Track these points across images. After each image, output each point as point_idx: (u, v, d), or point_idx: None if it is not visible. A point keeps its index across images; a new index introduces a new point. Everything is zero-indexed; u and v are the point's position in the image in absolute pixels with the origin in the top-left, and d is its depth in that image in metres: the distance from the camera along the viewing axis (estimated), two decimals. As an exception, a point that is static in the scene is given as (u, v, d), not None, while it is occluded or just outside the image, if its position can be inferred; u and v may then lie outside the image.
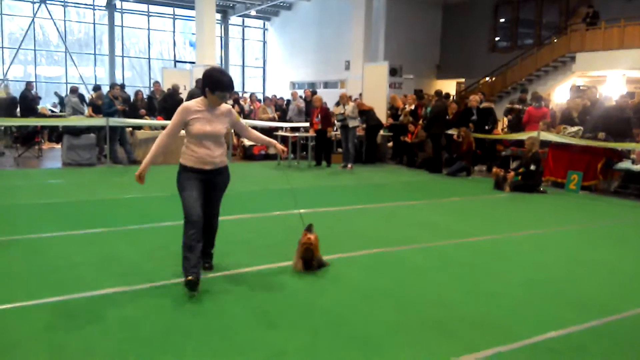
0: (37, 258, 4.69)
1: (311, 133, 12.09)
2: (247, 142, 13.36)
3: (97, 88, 14.35)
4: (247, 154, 13.18)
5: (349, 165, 11.83)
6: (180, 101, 12.93)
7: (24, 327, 3.28)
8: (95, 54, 25.68)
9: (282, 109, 15.37)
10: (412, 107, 13.21)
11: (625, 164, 9.33)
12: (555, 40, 18.98)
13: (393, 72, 19.05)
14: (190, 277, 3.83)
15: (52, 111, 17.07)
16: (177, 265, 4.52)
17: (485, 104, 12.23)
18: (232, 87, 4.06)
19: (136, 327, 3.33)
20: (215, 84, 3.92)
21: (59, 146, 13.12)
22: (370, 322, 3.53)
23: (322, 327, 3.43)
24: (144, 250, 5.02)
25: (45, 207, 6.91)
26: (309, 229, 4.57)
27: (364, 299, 3.94)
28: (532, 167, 9.27)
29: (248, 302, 3.81)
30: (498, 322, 3.58)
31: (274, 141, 4.63)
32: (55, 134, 14.14)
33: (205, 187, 4.14)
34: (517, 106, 12.24)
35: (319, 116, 11.84)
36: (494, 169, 9.93)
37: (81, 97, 14.01)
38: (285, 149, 4.35)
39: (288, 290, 4.08)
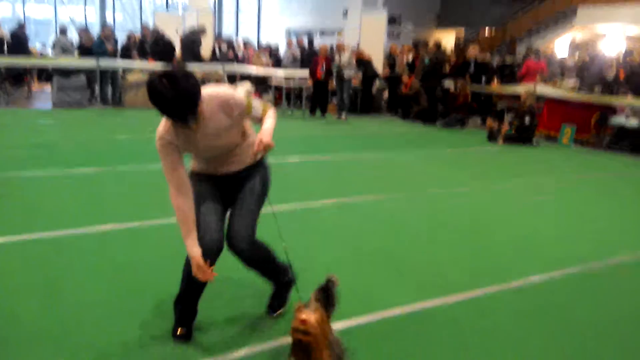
0: (28, 196, 4.68)
1: (309, 83, 11.77)
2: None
3: (87, 29, 13.98)
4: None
5: (344, 116, 11.73)
6: (171, 44, 12.64)
7: (18, 260, 3.30)
8: (85, -5, 24.88)
9: (276, 57, 15.07)
10: (410, 58, 12.99)
11: (619, 119, 9.32)
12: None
13: (392, 20, 18.64)
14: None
15: (42, 53, 16.65)
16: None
17: (482, 57, 12.05)
18: (177, 110, 2.22)
19: (128, 262, 3.37)
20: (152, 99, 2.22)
21: (48, 87, 12.89)
22: (356, 264, 3.58)
23: (309, 267, 3.49)
24: (135, 190, 5.02)
25: (35, 146, 6.85)
26: (307, 303, 2.23)
27: (352, 243, 3.99)
28: (527, 120, 9.24)
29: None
30: (484, 266, 3.66)
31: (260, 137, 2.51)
32: (45, 74, 13.85)
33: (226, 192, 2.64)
34: (509, 59, 12.07)
35: (324, 67, 11.57)
36: (488, 122, 9.89)
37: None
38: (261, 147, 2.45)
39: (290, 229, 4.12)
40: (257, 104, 2.53)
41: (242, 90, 3.02)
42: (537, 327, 2.81)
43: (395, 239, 4.10)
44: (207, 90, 2.34)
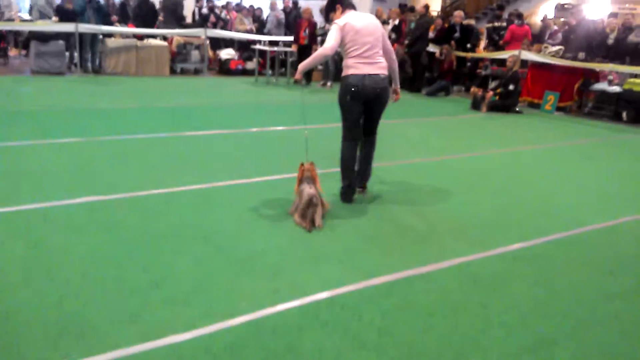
0: (9, 165, 4.63)
1: (293, 49, 11.55)
2: (223, 56, 12.95)
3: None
4: (224, 68, 12.81)
5: (329, 83, 11.64)
6: (154, 7, 12.31)
7: (5, 231, 3.29)
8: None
9: (259, 20, 14.78)
10: (396, 22, 12.82)
11: (601, 85, 9.41)
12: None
13: (377, -17, 18.29)
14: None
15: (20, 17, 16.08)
16: (153, 176, 4.54)
17: (467, 21, 11.96)
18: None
19: (112, 230, 3.38)
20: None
21: (25, 53, 12.55)
22: (346, 230, 3.64)
23: (298, 232, 3.54)
24: (119, 161, 4.98)
25: (16, 114, 6.72)
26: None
27: (342, 209, 4.04)
28: (511, 87, 9.28)
29: (227, 211, 3.87)
30: (470, 232, 3.75)
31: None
32: (22, 40, 13.44)
33: None
34: (497, 24, 12.00)
35: (307, 31, 11.28)
36: (472, 89, 9.91)
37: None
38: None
39: (266, 200, 4.15)
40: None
41: None
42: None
43: (393, 203, 4.16)
44: None
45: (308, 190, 3.69)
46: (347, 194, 4.23)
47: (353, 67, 4.00)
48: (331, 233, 3.59)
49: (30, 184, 4.18)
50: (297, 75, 4.15)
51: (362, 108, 4.12)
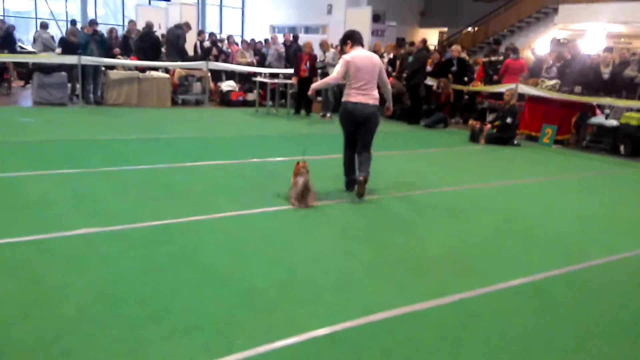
0: (10, 196, 4.63)
1: (293, 81, 11.67)
2: (224, 88, 13.11)
3: (73, 22, 13.75)
4: (225, 100, 12.96)
5: (328, 115, 11.75)
6: (157, 41, 12.51)
7: (1, 265, 3.27)
8: (65, -12, 24.43)
9: (260, 54, 15.02)
10: (391, 55, 13.03)
11: (599, 119, 9.50)
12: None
13: (376, 18, 18.69)
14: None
15: (22, 47, 16.37)
16: (153, 207, 4.54)
17: (464, 56, 12.16)
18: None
19: (113, 264, 3.37)
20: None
21: (28, 84, 12.69)
22: (347, 263, 3.63)
23: (301, 264, 3.52)
24: (119, 192, 4.99)
25: (16, 145, 6.76)
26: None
27: (342, 242, 4.03)
28: (509, 120, 9.36)
29: (226, 243, 3.86)
30: (470, 266, 3.72)
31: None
32: (26, 72, 13.62)
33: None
34: (493, 58, 12.21)
35: (307, 64, 11.47)
36: (470, 121, 10.00)
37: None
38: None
39: (267, 231, 4.15)
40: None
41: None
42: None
43: (392, 236, 4.15)
44: None
45: (303, 179, 4.78)
46: (349, 185, 5.51)
47: (351, 96, 5.19)
48: (330, 264, 3.58)
49: (29, 216, 4.18)
50: (310, 92, 5.83)
51: (354, 126, 5.28)
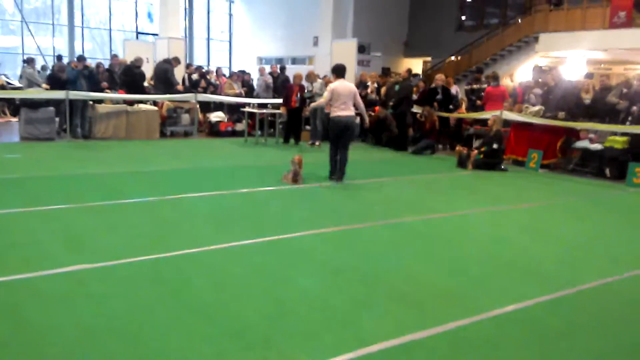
0: (-4, 235, 4.57)
1: (282, 111, 11.77)
2: (213, 118, 13.16)
3: (59, 58, 13.81)
4: (214, 130, 12.99)
5: (317, 143, 11.82)
6: (140, 75, 12.56)
7: (-15, 306, 3.21)
8: (53, 24, 24.64)
9: (249, 85, 15.16)
10: (375, 85, 13.22)
11: (583, 143, 9.65)
12: (519, 20, 19.24)
13: (361, 49, 19.00)
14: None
15: (9, 83, 16.38)
16: (141, 242, 4.49)
17: (448, 84, 12.36)
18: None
19: (101, 303, 3.31)
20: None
21: (15, 119, 12.64)
22: (339, 295, 3.59)
23: (292, 299, 3.48)
24: (108, 227, 4.94)
25: (3, 182, 6.69)
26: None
27: (333, 274, 4.00)
28: (495, 146, 9.47)
29: (216, 278, 3.82)
30: (462, 295, 3.71)
31: None
32: (12, 107, 13.60)
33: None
34: (475, 86, 12.43)
35: (299, 95, 11.61)
36: (458, 147, 10.10)
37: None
38: None
39: (256, 264, 4.11)
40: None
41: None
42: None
43: (381, 266, 4.13)
44: None
45: (294, 168, 7.31)
46: (332, 174, 7.72)
47: (335, 111, 7.55)
48: (321, 301, 3.54)
49: (17, 254, 4.11)
50: (306, 110, 9.58)
51: (340, 130, 7.57)
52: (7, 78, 17.88)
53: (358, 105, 7.71)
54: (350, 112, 7.54)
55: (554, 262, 4.57)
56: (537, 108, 10.22)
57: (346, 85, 7.61)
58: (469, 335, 3.12)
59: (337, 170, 7.62)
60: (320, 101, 8.31)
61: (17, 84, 14.27)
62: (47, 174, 7.39)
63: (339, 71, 7.75)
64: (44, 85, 11.38)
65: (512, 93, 11.77)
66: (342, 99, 7.44)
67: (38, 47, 23.81)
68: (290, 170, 7.32)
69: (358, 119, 8.92)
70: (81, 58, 11.83)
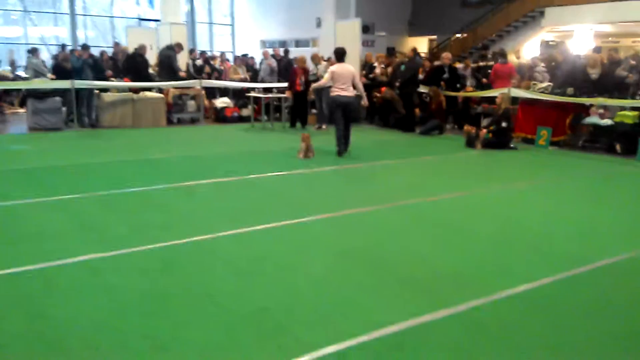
0: (9, 226, 4.60)
1: (287, 95, 11.71)
2: (219, 104, 13.13)
3: (63, 47, 13.77)
4: (220, 116, 12.97)
5: (323, 126, 11.78)
6: (144, 62, 12.50)
7: (2, 296, 3.24)
8: (55, 13, 24.55)
9: (253, 69, 15.07)
10: (382, 65, 13.10)
11: (593, 119, 9.54)
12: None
13: (365, 29, 18.80)
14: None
15: (16, 74, 16.38)
16: (153, 230, 4.51)
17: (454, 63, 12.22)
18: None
19: (116, 293, 3.33)
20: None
21: (23, 110, 12.67)
22: (349, 280, 3.61)
23: (300, 285, 3.50)
24: (119, 216, 4.96)
25: (13, 173, 6.73)
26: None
27: (343, 258, 4.01)
28: (504, 124, 9.39)
29: (228, 265, 3.84)
30: (473, 277, 3.70)
31: None
32: (19, 98, 13.62)
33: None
34: (482, 63, 12.27)
35: (302, 78, 11.55)
36: (466, 127, 10.02)
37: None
38: None
39: (267, 250, 4.12)
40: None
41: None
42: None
43: (391, 250, 4.13)
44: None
45: (306, 144, 8.02)
46: (339, 152, 8.25)
47: (335, 91, 8.21)
48: (333, 286, 3.54)
49: (28, 245, 4.15)
50: (310, 92, 10.34)
51: (341, 109, 8.19)
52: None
53: (357, 86, 8.31)
54: (350, 92, 8.15)
55: (566, 241, 4.55)
56: (545, 84, 10.10)
57: (345, 67, 8.25)
58: (482, 316, 3.13)
59: (342, 144, 8.26)
60: (320, 82, 8.87)
61: (22, 74, 14.26)
62: (56, 164, 7.42)
63: (339, 55, 8.41)
64: (50, 75, 11.38)
65: (519, 70, 11.63)
66: (341, 80, 8.09)
67: (41, 36, 23.74)
68: (301, 148, 8.02)
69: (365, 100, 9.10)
70: (85, 47, 11.80)
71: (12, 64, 16.21)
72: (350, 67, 8.37)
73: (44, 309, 3.11)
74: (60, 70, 11.03)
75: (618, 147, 9.03)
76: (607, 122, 9.27)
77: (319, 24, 21.50)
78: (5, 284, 3.46)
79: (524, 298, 3.39)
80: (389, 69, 12.72)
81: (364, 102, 8.96)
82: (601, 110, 9.53)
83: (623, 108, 9.28)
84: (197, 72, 13.30)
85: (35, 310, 3.09)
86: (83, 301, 3.21)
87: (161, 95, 12.22)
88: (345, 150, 8.29)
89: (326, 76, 8.38)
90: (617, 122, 9.12)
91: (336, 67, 8.24)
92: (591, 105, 9.62)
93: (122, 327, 2.91)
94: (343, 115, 8.17)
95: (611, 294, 3.51)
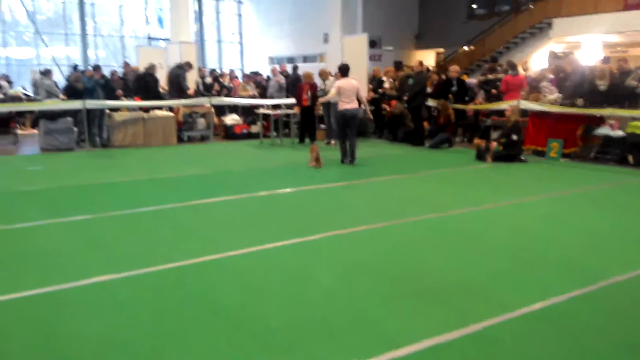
0: (22, 247, 4.63)
1: (296, 110, 11.83)
2: (228, 122, 13.21)
3: (75, 68, 13.95)
4: (229, 133, 13.04)
5: (332, 141, 11.79)
6: (154, 81, 12.64)
7: (16, 319, 3.26)
8: (66, 34, 24.95)
9: (262, 86, 15.18)
10: (391, 80, 13.14)
11: (604, 130, 9.47)
12: (532, 6, 18.97)
13: (372, 43, 18.91)
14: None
15: (26, 95, 16.62)
16: (164, 249, 4.52)
17: (463, 76, 12.22)
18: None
19: (127, 311, 3.34)
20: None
21: (35, 131, 12.83)
22: (362, 296, 3.58)
23: (316, 301, 3.48)
24: (131, 236, 4.99)
25: (26, 194, 6.80)
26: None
27: (355, 274, 3.99)
28: (514, 137, 9.35)
29: (236, 282, 3.83)
30: (488, 292, 3.66)
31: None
32: (31, 119, 13.81)
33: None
34: (491, 76, 12.25)
35: (309, 93, 11.64)
36: (476, 140, 9.99)
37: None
38: None
39: (279, 267, 4.11)
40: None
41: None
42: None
43: (404, 264, 4.11)
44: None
45: (315, 154, 8.68)
46: (343, 159, 9.07)
47: (342, 104, 8.90)
48: (346, 302, 3.53)
49: (40, 266, 4.18)
50: (317, 106, 10.90)
51: (345, 121, 8.93)
52: (25, 90, 18.13)
53: (360, 98, 9.11)
54: (354, 104, 8.92)
55: (582, 255, 4.50)
56: (554, 96, 10.06)
57: (349, 81, 8.96)
58: (498, 334, 3.09)
59: (347, 155, 9.00)
60: (328, 96, 9.56)
61: (30, 94, 14.46)
62: (68, 184, 7.48)
63: (343, 70, 9.22)
64: (62, 96, 11.53)
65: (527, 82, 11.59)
66: (346, 93, 8.84)
67: (53, 57, 24.12)
68: (311, 158, 8.75)
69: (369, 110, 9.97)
70: (97, 67, 11.96)
71: (36, 85, 16.38)
72: (354, 82, 8.98)
73: (59, 328, 3.12)
74: (72, 90, 11.17)
75: (630, 158, 8.95)
76: (618, 133, 9.20)
77: (326, 40, 21.66)
78: (17, 305, 3.47)
79: (541, 315, 3.34)
80: (397, 83, 12.75)
81: (367, 114, 9.77)
82: (612, 121, 9.47)
83: (634, 119, 9.21)
84: (206, 90, 13.41)
85: (50, 330, 3.10)
86: (96, 320, 3.21)
87: (171, 113, 12.34)
88: (352, 160, 8.92)
89: (332, 90, 9.09)
90: (628, 133, 9.06)
91: (341, 82, 8.95)
92: (602, 117, 9.55)
93: (134, 345, 2.91)
94: (348, 126, 8.92)
95: (631, 310, 3.45)
